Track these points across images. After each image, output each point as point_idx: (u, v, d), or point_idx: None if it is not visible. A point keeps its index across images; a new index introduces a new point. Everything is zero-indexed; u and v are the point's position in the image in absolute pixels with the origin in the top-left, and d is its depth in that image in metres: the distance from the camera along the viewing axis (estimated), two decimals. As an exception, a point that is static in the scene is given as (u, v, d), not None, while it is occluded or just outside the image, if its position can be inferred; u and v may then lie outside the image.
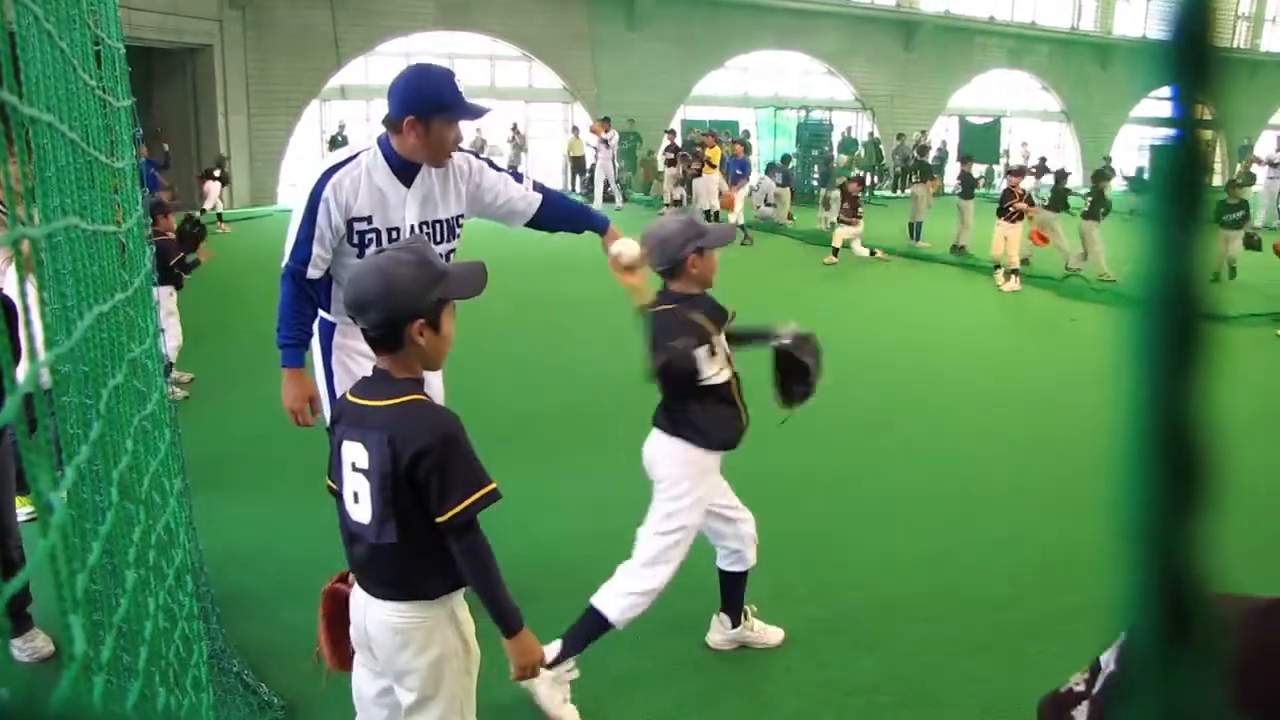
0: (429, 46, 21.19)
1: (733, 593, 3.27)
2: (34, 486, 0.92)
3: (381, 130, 3.04)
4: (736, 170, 15.96)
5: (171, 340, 6.28)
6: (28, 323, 0.87)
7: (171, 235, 6.53)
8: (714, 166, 16.55)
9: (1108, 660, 1.02)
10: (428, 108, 2.82)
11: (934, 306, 10.51)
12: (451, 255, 3.09)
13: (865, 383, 6.85)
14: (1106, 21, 30.06)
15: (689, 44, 23.25)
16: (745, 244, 14.33)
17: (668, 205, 19.24)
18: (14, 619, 3.07)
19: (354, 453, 1.96)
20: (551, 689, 2.88)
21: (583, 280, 7.93)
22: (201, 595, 3.29)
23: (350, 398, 2.05)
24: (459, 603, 2.05)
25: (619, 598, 2.92)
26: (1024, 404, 6.60)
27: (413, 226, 3.02)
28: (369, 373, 2.35)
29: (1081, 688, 1.06)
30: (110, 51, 1.95)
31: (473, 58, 22.19)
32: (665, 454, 2.97)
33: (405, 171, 2.98)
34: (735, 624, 3.31)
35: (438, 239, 3.07)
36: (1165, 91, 0.29)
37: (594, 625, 2.93)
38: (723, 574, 3.26)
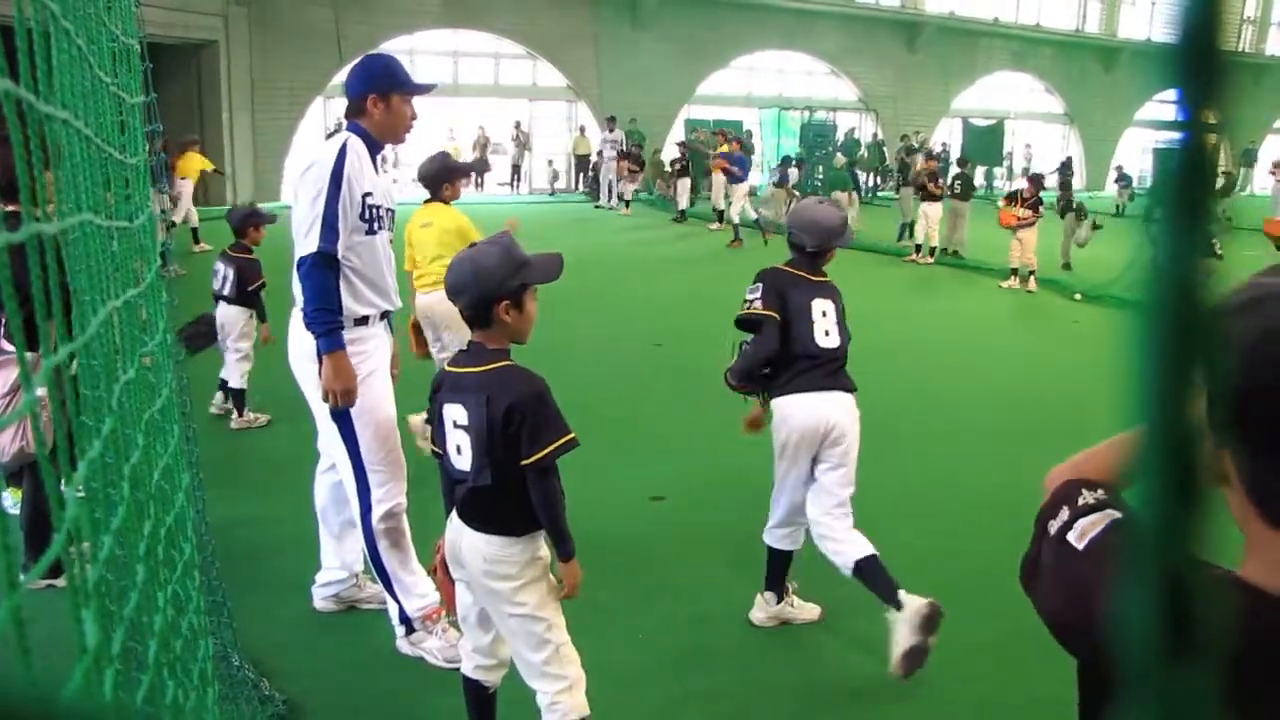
0: (433, 44, 21.22)
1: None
2: (48, 482, 0.93)
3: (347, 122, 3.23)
4: (735, 168, 15.31)
5: (238, 368, 5.54)
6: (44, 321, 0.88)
7: (253, 255, 5.70)
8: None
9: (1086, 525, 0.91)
10: (385, 84, 3.12)
11: (942, 307, 10.51)
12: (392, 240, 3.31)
13: (867, 381, 6.84)
14: (1111, 24, 30.03)
15: (693, 43, 23.23)
16: (735, 246, 14.10)
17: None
18: None
19: (455, 413, 2.33)
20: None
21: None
22: (214, 589, 3.30)
23: (449, 368, 2.42)
24: (541, 541, 2.38)
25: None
26: (1029, 403, 6.60)
27: (388, 208, 3.24)
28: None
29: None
30: (125, 49, 1.96)
31: (477, 55, 22.19)
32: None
33: (375, 155, 3.20)
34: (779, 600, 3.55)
35: (389, 225, 3.28)
36: (1171, 95, 0.29)
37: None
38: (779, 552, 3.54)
